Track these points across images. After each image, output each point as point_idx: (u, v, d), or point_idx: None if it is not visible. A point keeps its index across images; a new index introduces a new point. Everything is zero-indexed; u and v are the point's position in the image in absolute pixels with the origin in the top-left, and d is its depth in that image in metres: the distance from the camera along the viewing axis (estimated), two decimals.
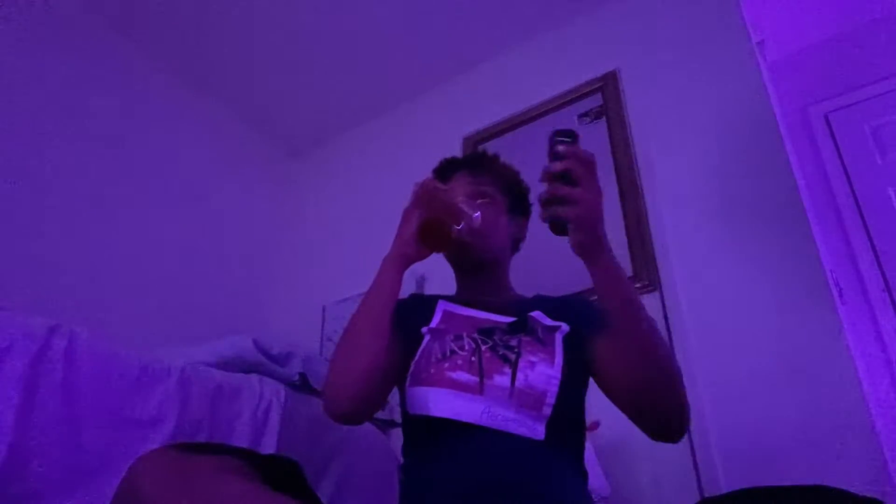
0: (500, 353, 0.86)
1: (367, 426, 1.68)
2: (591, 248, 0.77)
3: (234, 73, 2.62)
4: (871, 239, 2.18)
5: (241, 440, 1.34)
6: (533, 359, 0.85)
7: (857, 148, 2.34)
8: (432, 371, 0.86)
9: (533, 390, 0.82)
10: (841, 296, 1.85)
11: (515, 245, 1.12)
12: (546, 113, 2.29)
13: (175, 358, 1.32)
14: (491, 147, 2.37)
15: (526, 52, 2.49)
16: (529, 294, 1.08)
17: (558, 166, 0.73)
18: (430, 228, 0.90)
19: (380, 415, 1.91)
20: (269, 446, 1.38)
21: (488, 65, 2.59)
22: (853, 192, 2.28)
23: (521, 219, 1.13)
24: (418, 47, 2.53)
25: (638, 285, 1.77)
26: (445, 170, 1.12)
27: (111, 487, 1.03)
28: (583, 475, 0.88)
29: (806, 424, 1.40)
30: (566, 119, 2.24)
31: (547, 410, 0.82)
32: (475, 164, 1.11)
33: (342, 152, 2.96)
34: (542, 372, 0.84)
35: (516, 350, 0.87)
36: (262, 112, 2.84)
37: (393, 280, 0.91)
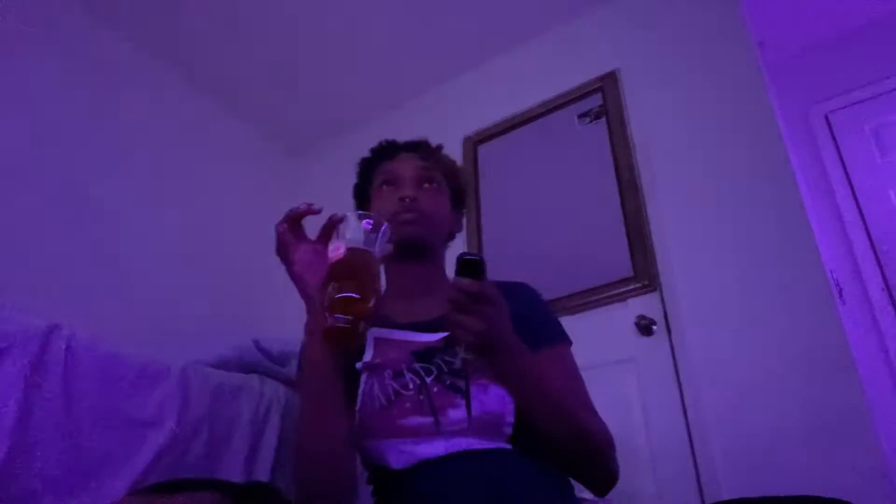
0: (448, 382, 0.82)
1: None
2: (493, 357, 0.75)
3: (234, 71, 2.62)
4: (871, 239, 2.18)
5: (241, 440, 1.34)
6: (483, 380, 0.81)
7: (857, 148, 2.34)
8: (381, 421, 0.81)
9: (490, 414, 0.79)
10: (841, 296, 1.85)
11: (449, 237, 1.07)
12: (546, 113, 2.29)
13: (175, 358, 1.31)
14: (491, 147, 2.39)
15: (526, 52, 2.49)
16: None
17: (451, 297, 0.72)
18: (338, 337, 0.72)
19: None
20: (269, 446, 1.38)
21: (488, 65, 2.59)
22: (853, 192, 2.28)
23: (458, 213, 1.08)
24: (418, 47, 2.53)
25: (638, 285, 1.78)
26: (387, 150, 1.06)
27: (111, 487, 1.03)
28: (553, 474, 0.83)
29: (806, 425, 1.40)
30: (566, 119, 2.24)
31: (508, 430, 0.80)
32: (421, 148, 1.05)
33: (342, 152, 2.95)
34: (496, 393, 0.80)
35: (463, 374, 0.82)
36: (262, 111, 2.84)
37: (326, 356, 0.79)
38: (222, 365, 1.48)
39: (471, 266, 0.72)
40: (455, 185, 1.07)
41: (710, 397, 1.55)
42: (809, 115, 2.48)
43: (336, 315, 0.70)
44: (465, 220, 1.11)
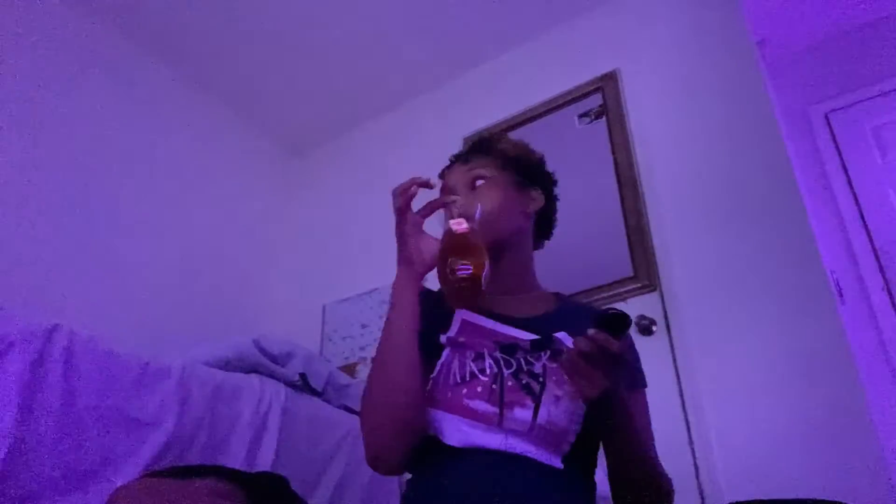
0: (524, 382, 0.82)
1: None
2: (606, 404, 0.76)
3: (235, 72, 2.62)
4: (871, 239, 2.18)
5: (241, 440, 1.34)
6: (558, 392, 0.81)
7: (857, 148, 2.34)
8: (449, 395, 0.82)
9: (555, 427, 0.79)
10: (841, 296, 1.85)
11: (537, 218, 1.05)
12: (546, 113, 2.29)
13: (175, 358, 1.31)
14: None
15: (526, 52, 2.49)
16: (550, 287, 1.02)
17: (582, 347, 0.71)
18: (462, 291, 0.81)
19: None
20: (269, 446, 1.38)
21: (488, 65, 2.59)
22: (853, 192, 2.28)
23: (534, 189, 1.04)
24: (418, 47, 2.53)
25: (638, 285, 1.78)
26: (446, 168, 1.06)
27: (111, 487, 1.03)
28: (592, 490, 0.86)
29: (806, 425, 1.40)
30: (566, 119, 2.24)
31: (566, 447, 0.80)
32: (470, 151, 1.04)
33: (342, 152, 2.96)
34: (567, 409, 0.80)
35: (541, 379, 0.82)
36: (262, 111, 2.85)
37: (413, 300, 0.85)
38: (222, 365, 1.47)
39: (615, 323, 0.70)
40: (516, 164, 1.03)
41: (710, 397, 1.55)
42: (809, 114, 2.48)
43: (459, 276, 0.80)
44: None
